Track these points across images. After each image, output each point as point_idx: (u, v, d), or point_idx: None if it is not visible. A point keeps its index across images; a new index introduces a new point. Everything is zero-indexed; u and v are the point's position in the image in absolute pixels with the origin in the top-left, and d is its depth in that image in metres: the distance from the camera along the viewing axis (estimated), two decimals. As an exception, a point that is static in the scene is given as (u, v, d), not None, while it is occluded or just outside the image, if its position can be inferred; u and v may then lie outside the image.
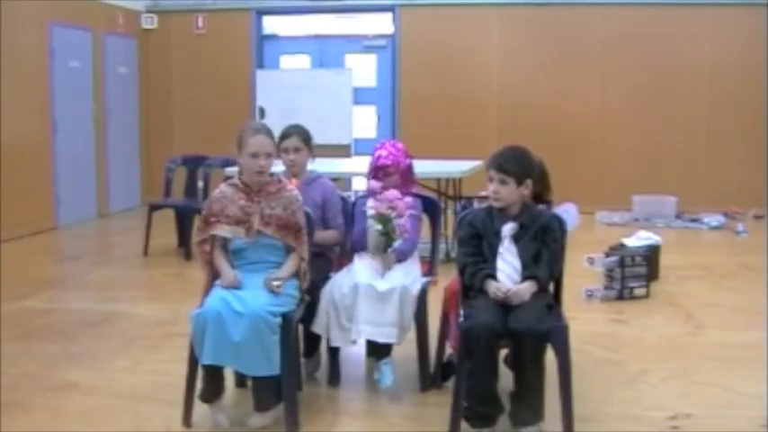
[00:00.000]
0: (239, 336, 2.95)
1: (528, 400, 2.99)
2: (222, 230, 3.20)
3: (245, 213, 3.19)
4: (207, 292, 3.19)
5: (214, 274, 3.24)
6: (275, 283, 3.10)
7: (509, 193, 3.10)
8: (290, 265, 3.22)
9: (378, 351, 3.58)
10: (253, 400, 3.17)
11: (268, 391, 3.11)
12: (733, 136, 8.98)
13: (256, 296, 3.04)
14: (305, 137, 3.78)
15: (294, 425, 3.10)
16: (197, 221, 3.31)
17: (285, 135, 3.75)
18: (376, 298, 3.39)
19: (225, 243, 3.25)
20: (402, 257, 3.63)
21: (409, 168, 3.81)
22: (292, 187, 3.35)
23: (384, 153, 3.75)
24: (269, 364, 3.00)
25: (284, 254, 3.27)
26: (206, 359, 3.00)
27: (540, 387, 2.98)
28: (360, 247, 3.71)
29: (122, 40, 9.61)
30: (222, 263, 3.21)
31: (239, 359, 2.99)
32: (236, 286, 3.10)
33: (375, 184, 3.70)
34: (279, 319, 3.02)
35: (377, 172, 3.77)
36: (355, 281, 3.44)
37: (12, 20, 7.49)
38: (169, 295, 5.48)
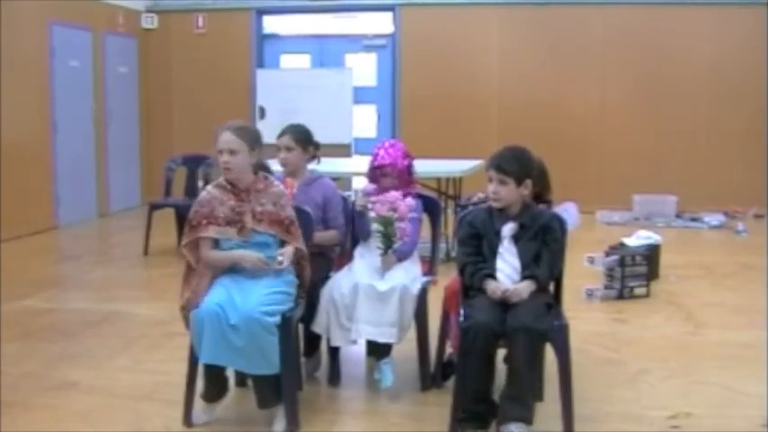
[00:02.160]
0: (237, 339, 2.94)
1: (518, 398, 2.96)
2: (211, 232, 3.16)
3: (236, 213, 3.17)
4: (196, 292, 3.17)
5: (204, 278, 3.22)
6: (279, 258, 3.11)
7: (509, 193, 3.10)
8: (288, 250, 3.19)
9: (378, 351, 3.58)
10: (255, 398, 3.16)
11: (269, 389, 3.10)
12: (733, 135, 8.98)
13: (249, 298, 3.02)
14: (298, 137, 3.78)
15: (294, 424, 3.10)
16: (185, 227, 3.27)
17: (280, 134, 3.79)
18: (376, 298, 3.39)
19: (215, 246, 3.20)
20: (402, 257, 3.62)
21: (408, 169, 3.77)
22: (278, 183, 3.35)
23: (382, 153, 3.74)
24: (268, 363, 2.99)
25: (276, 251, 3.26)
26: (204, 358, 3.00)
27: (532, 387, 2.97)
28: (363, 237, 3.71)
29: (122, 40, 9.61)
30: (223, 254, 3.16)
31: (238, 359, 2.99)
32: (259, 263, 3.11)
33: (369, 187, 3.70)
34: (276, 319, 3.01)
35: (374, 171, 3.77)
36: (355, 281, 3.44)
37: (12, 20, 7.49)
38: (169, 295, 5.43)
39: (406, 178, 3.76)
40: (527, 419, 2.96)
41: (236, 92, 9.85)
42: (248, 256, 3.13)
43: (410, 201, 3.57)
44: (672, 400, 3.45)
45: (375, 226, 3.55)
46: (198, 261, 3.21)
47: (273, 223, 3.21)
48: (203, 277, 3.19)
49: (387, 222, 3.49)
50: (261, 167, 3.33)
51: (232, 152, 3.16)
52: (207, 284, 3.16)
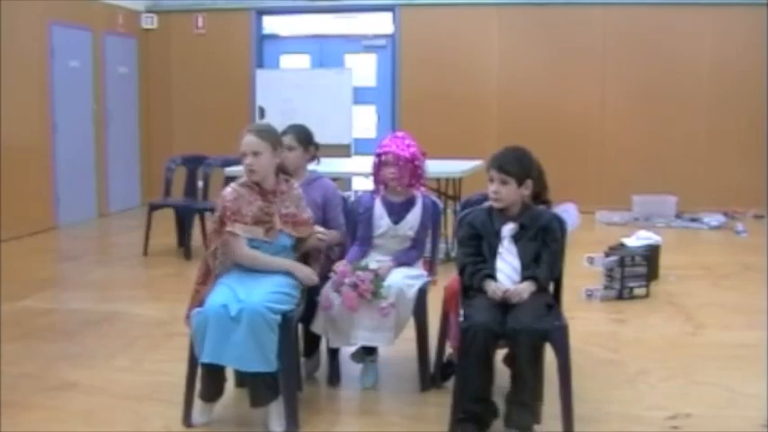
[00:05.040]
0: (237, 333, 2.96)
1: (523, 400, 2.98)
2: (238, 230, 3.18)
3: (266, 214, 3.21)
4: (201, 294, 3.19)
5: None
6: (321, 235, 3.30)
7: (510, 193, 3.11)
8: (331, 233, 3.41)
9: (366, 348, 3.62)
10: (249, 396, 3.16)
11: (265, 387, 3.10)
12: (733, 135, 8.98)
13: (254, 293, 3.05)
14: (300, 137, 3.78)
15: (294, 425, 3.10)
16: (209, 226, 3.29)
17: (281, 134, 3.78)
18: (375, 309, 3.39)
19: None
20: (409, 263, 3.62)
21: (412, 161, 3.59)
22: (297, 185, 3.38)
23: (387, 140, 3.66)
24: (264, 360, 2.99)
25: (291, 253, 3.30)
26: (206, 357, 3.01)
27: (536, 388, 2.98)
28: (364, 243, 3.67)
29: (122, 40, 9.61)
30: (272, 259, 3.22)
31: (237, 355, 2.99)
32: (310, 279, 3.26)
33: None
34: (278, 317, 3.02)
35: (377, 159, 3.65)
36: None
37: (12, 20, 7.49)
38: (169, 295, 5.47)
39: (412, 171, 3.59)
40: (533, 422, 2.98)
41: (236, 92, 9.85)
42: (304, 268, 3.26)
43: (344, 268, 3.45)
44: (672, 400, 3.45)
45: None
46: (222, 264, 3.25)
47: (297, 225, 3.28)
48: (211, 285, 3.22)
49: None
50: (280, 169, 3.35)
51: (255, 154, 3.19)
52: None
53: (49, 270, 6.53)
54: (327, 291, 3.44)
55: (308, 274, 3.26)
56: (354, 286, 3.35)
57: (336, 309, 3.41)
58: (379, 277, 3.39)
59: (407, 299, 3.44)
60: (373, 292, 3.36)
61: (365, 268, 3.42)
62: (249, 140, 3.20)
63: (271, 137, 3.26)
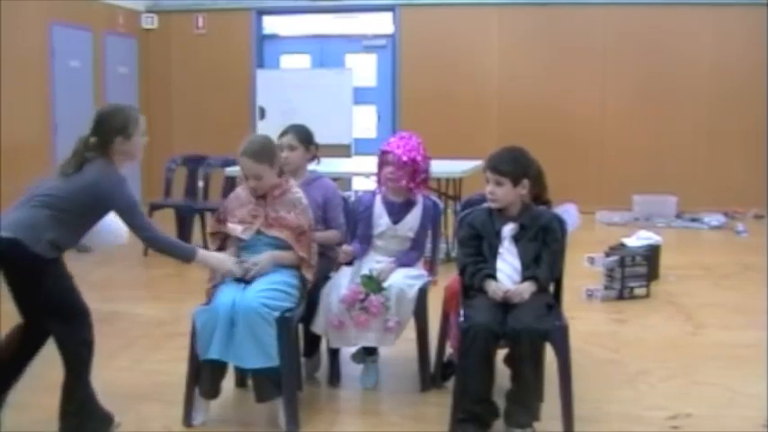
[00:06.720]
0: (237, 331, 3.00)
1: (523, 400, 2.99)
2: (226, 228, 3.31)
3: (252, 216, 3.28)
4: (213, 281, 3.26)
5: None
6: (246, 265, 3.16)
7: (505, 193, 3.11)
8: (282, 255, 3.24)
9: (367, 348, 3.62)
10: (254, 393, 3.17)
11: (268, 382, 3.11)
12: (733, 135, 8.98)
13: (248, 291, 3.09)
14: (301, 136, 3.78)
15: (294, 424, 3.11)
16: (209, 219, 3.39)
17: (282, 133, 3.78)
18: (380, 319, 3.39)
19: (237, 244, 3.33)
20: (410, 264, 3.61)
21: (412, 164, 3.53)
22: (297, 189, 3.38)
23: (391, 139, 3.65)
24: (265, 356, 3.01)
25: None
26: (212, 354, 3.04)
27: (536, 388, 2.98)
28: (364, 241, 3.67)
29: (122, 40, 9.61)
30: (209, 254, 3.25)
31: (237, 355, 3.03)
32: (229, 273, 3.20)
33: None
34: (274, 313, 3.04)
35: (379, 158, 3.63)
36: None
37: (12, 20, 7.49)
38: (169, 295, 5.47)
39: (411, 174, 3.54)
40: (533, 419, 2.99)
41: (236, 92, 9.85)
42: (224, 263, 3.17)
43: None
44: (672, 400, 3.45)
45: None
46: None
47: (284, 228, 3.27)
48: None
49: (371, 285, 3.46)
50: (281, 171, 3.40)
51: (257, 177, 3.24)
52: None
53: (49, 270, 6.51)
54: (336, 308, 3.42)
55: (227, 269, 3.18)
56: (365, 309, 3.38)
57: (336, 306, 3.42)
58: (387, 299, 3.40)
59: (408, 299, 3.44)
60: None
61: (372, 283, 3.42)
62: (248, 167, 3.23)
63: (268, 155, 3.25)
